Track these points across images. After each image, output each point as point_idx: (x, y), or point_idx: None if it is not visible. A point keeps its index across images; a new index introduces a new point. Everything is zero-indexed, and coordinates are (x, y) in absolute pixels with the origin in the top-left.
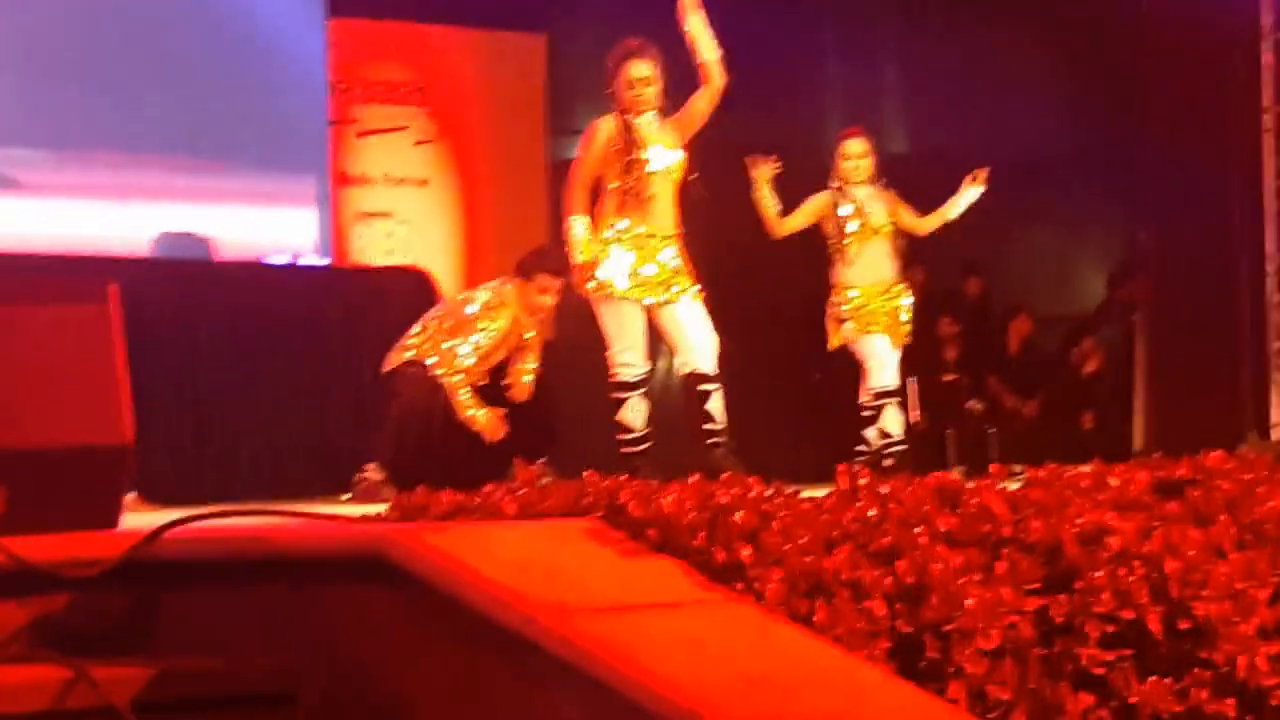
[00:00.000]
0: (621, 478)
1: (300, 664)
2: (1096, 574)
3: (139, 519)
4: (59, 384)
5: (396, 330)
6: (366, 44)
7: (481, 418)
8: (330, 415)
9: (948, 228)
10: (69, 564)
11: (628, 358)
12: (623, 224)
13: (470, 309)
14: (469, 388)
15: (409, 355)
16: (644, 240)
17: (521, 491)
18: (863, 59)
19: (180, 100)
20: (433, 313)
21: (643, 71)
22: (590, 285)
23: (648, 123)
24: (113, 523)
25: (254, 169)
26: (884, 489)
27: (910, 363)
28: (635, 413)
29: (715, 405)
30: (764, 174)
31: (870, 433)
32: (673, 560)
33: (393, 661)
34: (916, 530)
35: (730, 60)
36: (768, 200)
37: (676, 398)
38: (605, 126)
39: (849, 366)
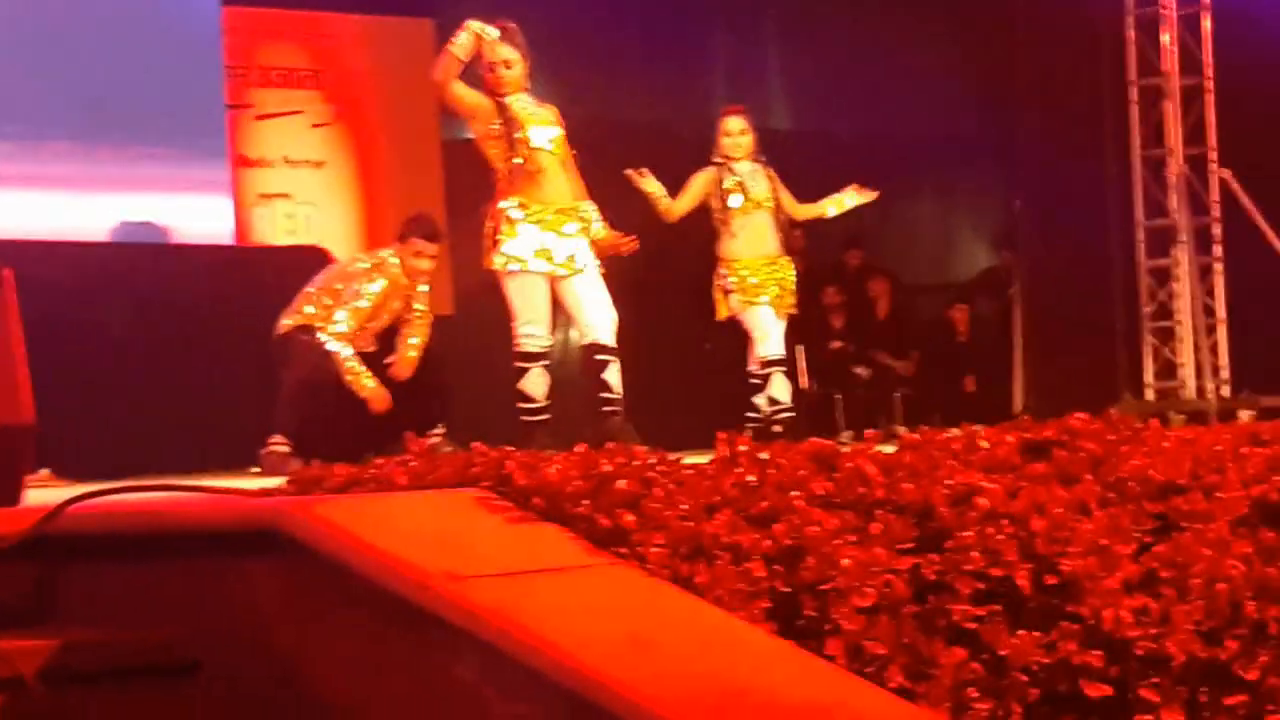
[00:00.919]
0: (508, 448)
1: (202, 636)
2: (966, 533)
3: (51, 494)
4: None
5: None
6: (260, 29)
7: (369, 386)
8: (237, 390)
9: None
10: None
11: (531, 329)
12: (520, 200)
13: (350, 273)
14: (355, 355)
15: (298, 321)
16: (545, 215)
17: (412, 463)
18: (747, 35)
19: (85, 84)
20: (318, 279)
21: (506, 54)
22: (496, 260)
23: (520, 102)
24: (14, 500)
25: (163, 156)
26: (763, 455)
27: (798, 332)
28: (536, 384)
29: (612, 376)
30: (646, 184)
31: (760, 400)
32: (559, 528)
33: (292, 632)
34: (793, 494)
35: (615, 34)
36: (655, 192)
37: (574, 369)
38: (482, 105)
39: (737, 336)
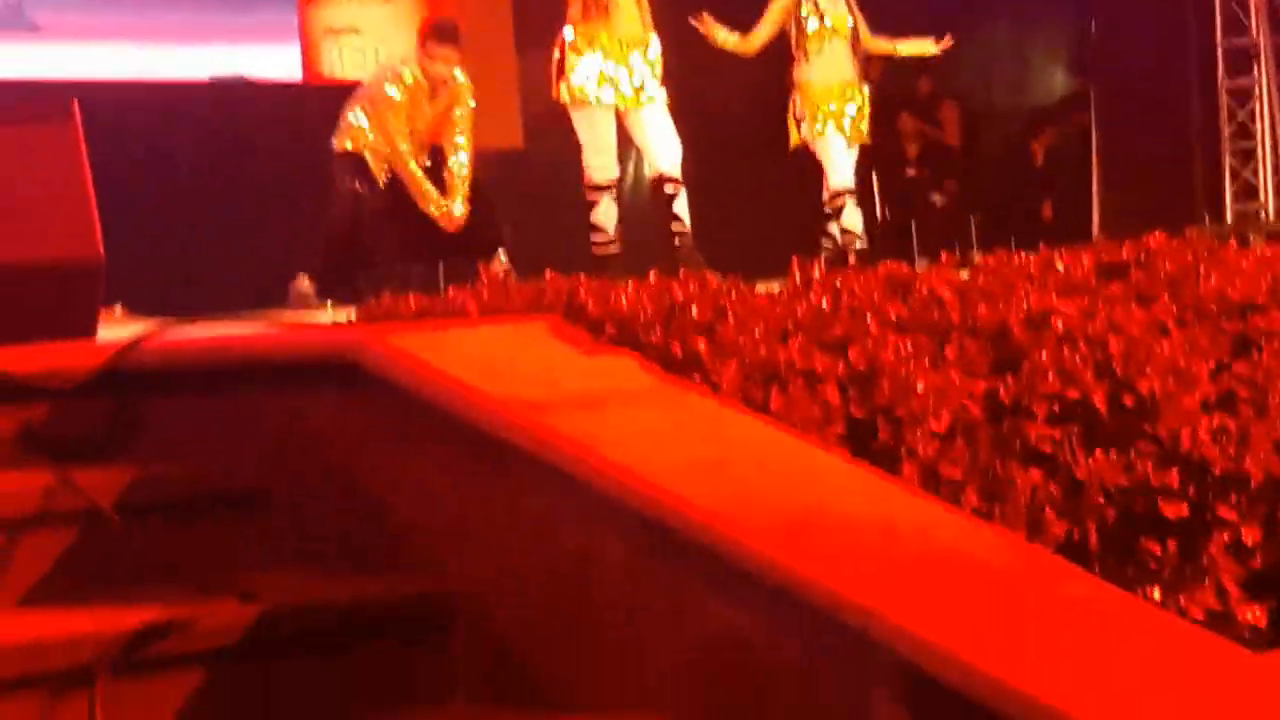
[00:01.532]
0: (580, 276)
1: (276, 467)
2: (1042, 355)
3: (124, 330)
4: (27, 202)
5: None
6: None
7: (434, 196)
8: (308, 227)
9: (905, 27)
10: (51, 374)
11: (598, 160)
12: (588, 30)
13: (380, 84)
14: (414, 162)
15: (347, 145)
16: (612, 45)
17: (484, 293)
18: None
19: None
20: (356, 96)
21: None
22: (562, 90)
23: None
24: (90, 334)
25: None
26: (837, 281)
27: (872, 160)
28: (606, 215)
29: (680, 206)
30: (712, 31)
31: (833, 228)
32: (632, 355)
33: (365, 462)
34: (867, 319)
35: None
36: (727, 40)
37: (644, 201)
38: None
39: (811, 165)
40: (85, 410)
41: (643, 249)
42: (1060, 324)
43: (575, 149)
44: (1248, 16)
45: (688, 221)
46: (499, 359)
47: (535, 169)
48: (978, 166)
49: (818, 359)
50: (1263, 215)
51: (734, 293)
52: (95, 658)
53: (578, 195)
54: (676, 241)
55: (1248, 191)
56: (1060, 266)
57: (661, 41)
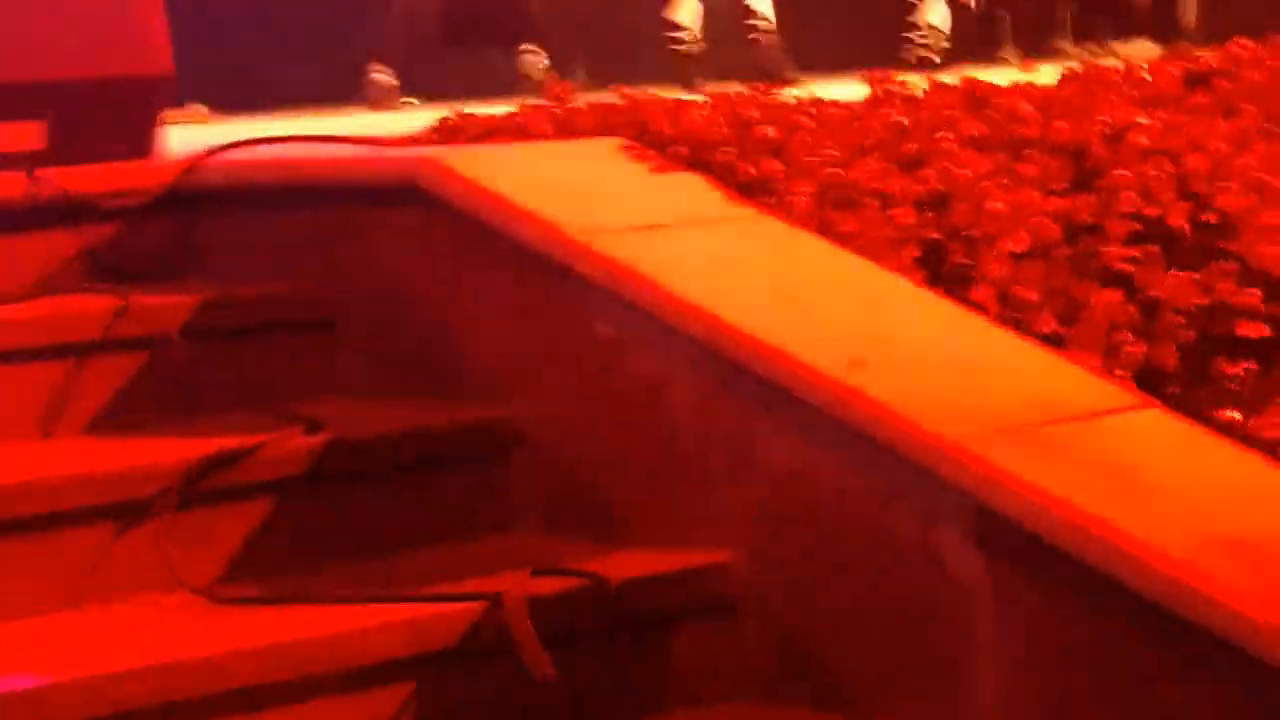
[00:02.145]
0: (650, 92)
1: (342, 291)
2: (1121, 172)
3: (204, 131)
4: (94, 14)
5: None
6: None
7: None
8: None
9: None
10: (114, 194)
11: None
12: None
13: None
14: None
15: None
16: None
17: (555, 109)
18: None
19: None
20: None
21: None
22: None
23: None
24: (149, 152)
25: None
26: (916, 93)
27: None
28: (686, 10)
29: (761, 2)
30: None
31: (919, 20)
32: (702, 176)
33: (430, 288)
34: (944, 136)
35: None
36: None
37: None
38: None
39: None
40: (149, 231)
41: (723, 44)
42: (1141, 139)
43: None
44: None
45: (769, 14)
46: (563, 180)
47: None
48: None
49: (892, 179)
50: None
51: (809, 107)
52: (161, 490)
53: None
54: (758, 39)
55: None
56: (1145, 75)
57: None
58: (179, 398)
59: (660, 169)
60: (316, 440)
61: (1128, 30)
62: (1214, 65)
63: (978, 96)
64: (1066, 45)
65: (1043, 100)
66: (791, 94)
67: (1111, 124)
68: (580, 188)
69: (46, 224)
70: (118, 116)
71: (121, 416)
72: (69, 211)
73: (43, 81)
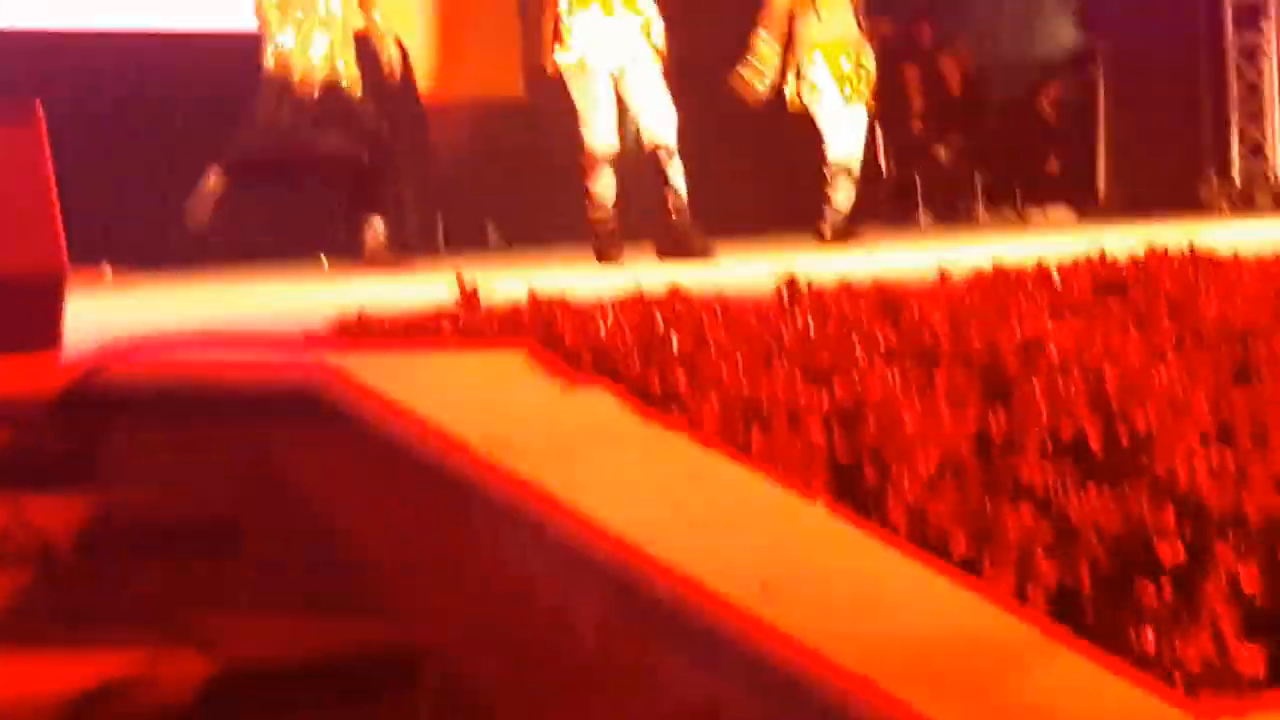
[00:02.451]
0: (558, 300)
1: (243, 499)
2: (1035, 386)
3: (110, 297)
4: None
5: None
6: None
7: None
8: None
9: None
10: (7, 399)
11: (597, 129)
12: None
13: None
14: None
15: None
16: (605, 10)
17: (461, 315)
18: None
19: None
20: None
21: None
22: (559, 58)
23: None
24: (54, 346)
25: None
26: (825, 294)
27: (876, 112)
28: (604, 186)
29: (674, 173)
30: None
31: (834, 198)
32: (609, 388)
33: (332, 500)
34: (855, 346)
35: None
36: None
37: (638, 166)
38: None
39: (810, 125)
40: (46, 434)
41: (637, 215)
42: (1055, 351)
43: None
44: None
45: (683, 190)
46: (468, 392)
47: (538, 120)
48: (983, 120)
49: (802, 393)
50: (1270, 175)
51: (718, 307)
52: None
53: (575, 155)
54: (671, 213)
55: (1255, 150)
56: (1057, 280)
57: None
58: (70, 611)
59: (568, 380)
60: (209, 663)
61: (1041, 196)
62: (1126, 272)
63: (889, 301)
64: (980, 211)
65: (954, 306)
66: (708, 272)
67: (1024, 336)
68: (486, 401)
69: None
70: (12, 314)
71: (8, 632)
72: None
73: None
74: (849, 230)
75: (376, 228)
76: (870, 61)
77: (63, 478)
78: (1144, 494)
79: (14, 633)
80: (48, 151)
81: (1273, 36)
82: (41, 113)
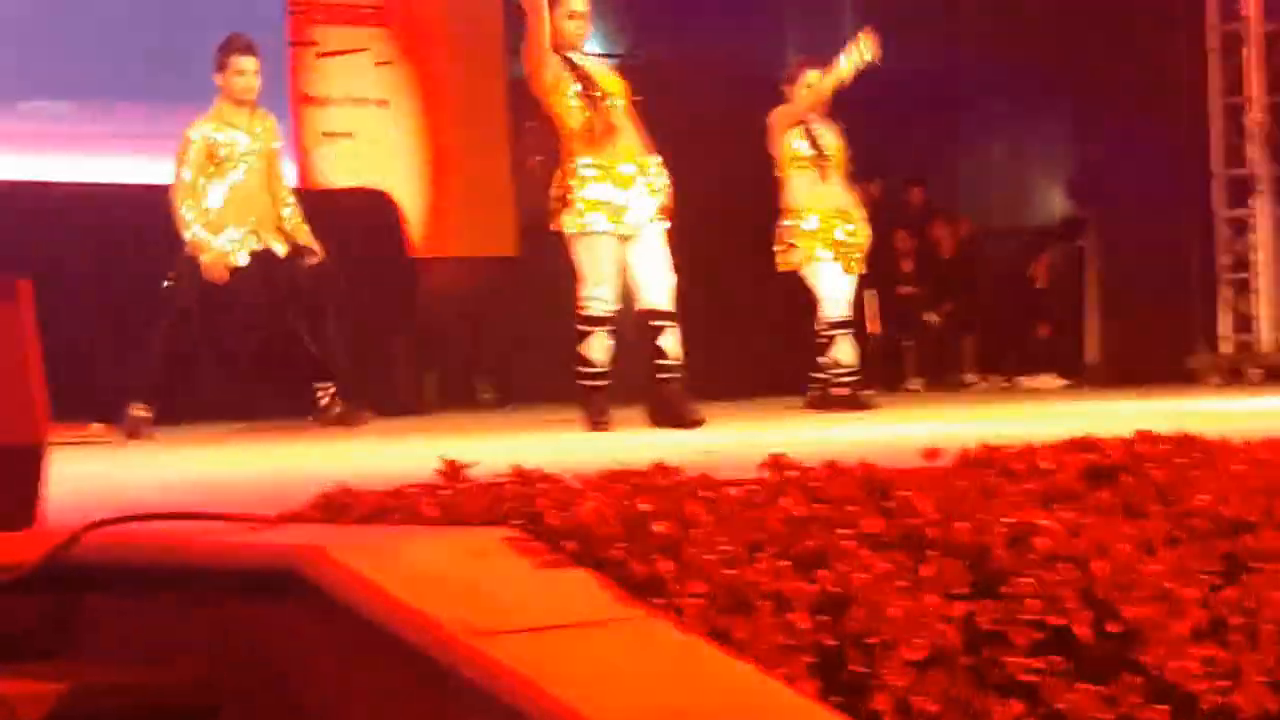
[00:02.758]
0: (539, 483)
1: (221, 676)
2: (1024, 578)
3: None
4: None
5: (359, 250)
6: None
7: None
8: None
9: (901, 142)
10: None
11: (597, 292)
12: (590, 159)
13: None
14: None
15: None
16: (613, 171)
17: (442, 492)
18: None
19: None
20: None
21: (583, 5)
22: (565, 220)
23: (589, 61)
24: (29, 523)
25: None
26: (811, 474)
27: (867, 276)
28: (599, 348)
29: (669, 342)
30: None
31: (825, 359)
32: (591, 574)
33: (314, 678)
34: (841, 533)
35: None
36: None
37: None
38: (561, 75)
39: (803, 289)
40: (20, 607)
41: (629, 377)
42: (1044, 543)
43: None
44: (1246, 147)
45: (676, 355)
46: (449, 575)
47: (531, 280)
48: (974, 286)
49: (787, 581)
50: (1258, 349)
51: (704, 491)
52: None
53: (568, 312)
54: (664, 382)
55: (1244, 323)
56: (1045, 465)
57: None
58: None
59: (549, 563)
60: None
61: (1031, 363)
62: (1117, 459)
63: (877, 485)
64: (971, 377)
65: (942, 490)
66: (696, 437)
67: (1013, 526)
68: (467, 584)
69: None
70: None
71: None
72: None
73: None
74: (857, 399)
75: (328, 397)
76: (864, 228)
77: (34, 652)
78: (1135, 689)
79: None
80: (32, 327)
81: (1262, 210)
82: (28, 288)
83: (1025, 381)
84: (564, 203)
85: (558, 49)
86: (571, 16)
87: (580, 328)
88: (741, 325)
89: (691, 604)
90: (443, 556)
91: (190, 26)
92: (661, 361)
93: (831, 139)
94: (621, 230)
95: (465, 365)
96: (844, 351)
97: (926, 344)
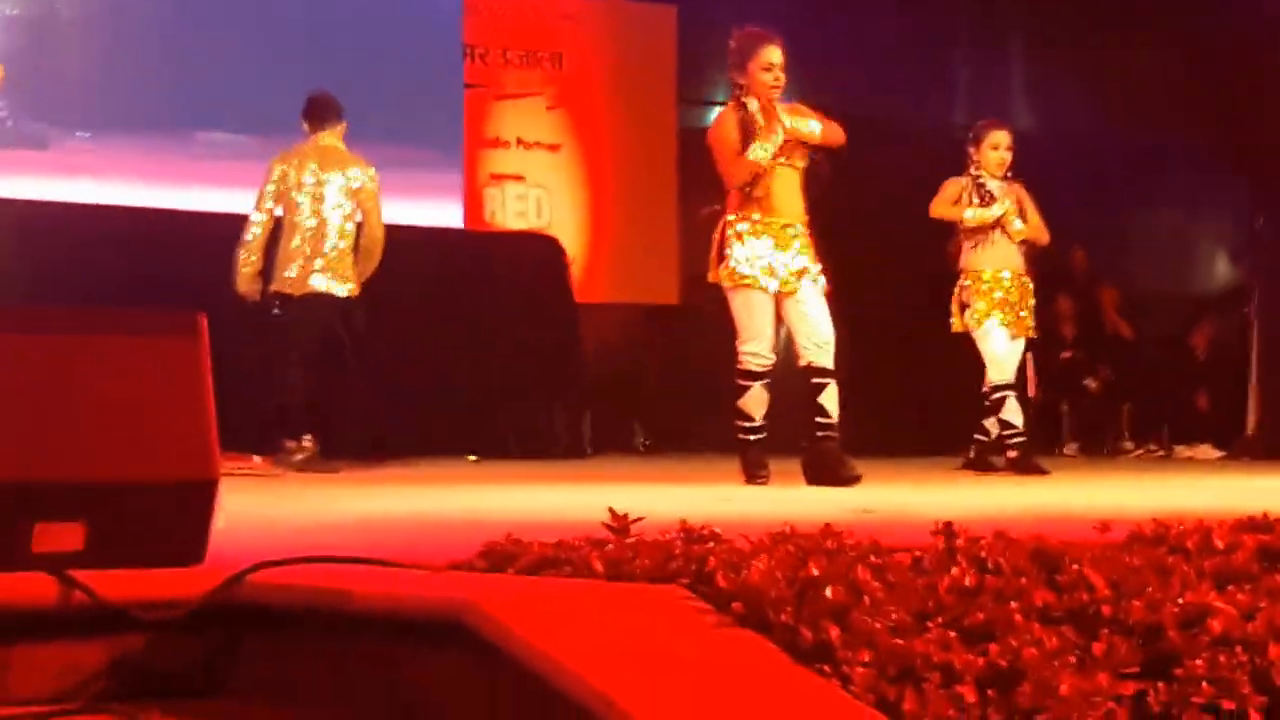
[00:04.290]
0: (709, 543)
1: None
2: (1197, 660)
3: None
4: (145, 417)
5: (527, 293)
6: (502, 10)
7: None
8: (461, 374)
9: (1064, 205)
10: (149, 605)
11: (755, 347)
12: (754, 213)
13: None
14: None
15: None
16: (775, 228)
17: (609, 547)
18: (988, 42)
19: (318, 73)
20: None
21: (777, 57)
22: (723, 273)
23: (771, 109)
24: (198, 559)
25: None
26: (980, 549)
27: (1028, 340)
28: (756, 402)
29: (828, 399)
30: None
31: (989, 422)
32: (759, 638)
33: None
34: (1011, 606)
35: (858, 43)
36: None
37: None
38: (729, 117)
39: (971, 349)
40: (180, 646)
41: (785, 430)
42: (1218, 625)
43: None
44: None
45: (835, 413)
46: (616, 636)
47: (691, 329)
48: (1134, 352)
49: (956, 654)
50: None
51: (873, 558)
52: None
53: (726, 362)
54: (822, 439)
55: None
56: (1219, 544)
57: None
58: None
59: (717, 625)
60: None
61: (1189, 433)
62: None
63: (1047, 559)
64: (1127, 444)
65: (1113, 567)
66: (856, 503)
67: (1186, 606)
68: (632, 646)
69: (74, 631)
70: (162, 520)
71: None
72: (99, 619)
73: (83, 483)
74: (1030, 463)
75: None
76: (1030, 300)
77: (190, 691)
78: None
79: None
80: (207, 363)
81: None
82: (205, 325)
83: (1181, 450)
84: (721, 256)
85: (746, 98)
86: (771, 68)
87: (739, 382)
88: (900, 384)
89: (859, 673)
90: (609, 616)
91: (371, 66)
92: (820, 419)
93: (1007, 200)
94: (779, 286)
95: (623, 411)
96: (1012, 413)
97: (1084, 409)
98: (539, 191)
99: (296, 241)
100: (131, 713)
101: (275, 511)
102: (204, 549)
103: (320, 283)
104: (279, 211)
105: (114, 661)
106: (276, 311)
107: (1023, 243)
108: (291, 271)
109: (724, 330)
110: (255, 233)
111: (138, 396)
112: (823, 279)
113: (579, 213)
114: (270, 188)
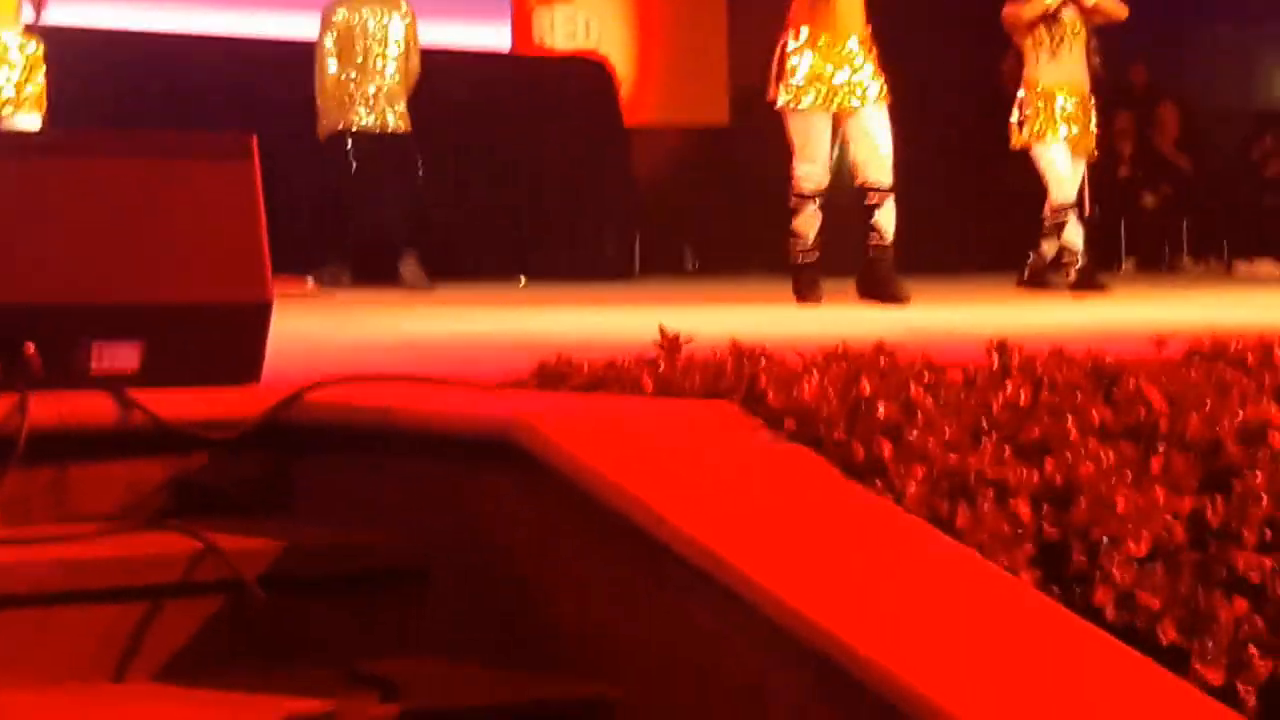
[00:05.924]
0: (760, 361)
1: (431, 543)
2: (1256, 474)
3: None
4: (199, 239)
5: (576, 117)
6: None
7: None
8: (511, 199)
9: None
10: (207, 424)
11: (809, 169)
12: (811, 31)
13: None
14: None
15: None
16: (834, 47)
17: (661, 366)
18: None
19: None
20: None
21: None
22: (781, 94)
23: None
24: (254, 378)
25: None
26: (1036, 367)
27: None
28: (809, 223)
29: (884, 217)
30: None
31: (1047, 245)
32: (810, 454)
33: (524, 547)
34: (1067, 422)
35: None
36: None
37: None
38: None
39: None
40: (239, 464)
41: (842, 250)
42: (1277, 439)
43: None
44: None
45: (889, 233)
46: (666, 452)
47: (740, 148)
48: (1194, 169)
49: (1010, 469)
50: None
51: (927, 376)
52: None
53: (782, 179)
54: (874, 255)
55: None
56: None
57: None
58: (254, 648)
59: (769, 442)
60: (395, 716)
61: (1249, 249)
62: None
63: (1104, 375)
64: (1186, 261)
65: (1171, 382)
66: (909, 314)
67: (1245, 421)
68: (685, 459)
69: (134, 450)
70: (217, 342)
71: (193, 665)
72: (158, 438)
73: (139, 304)
74: (1092, 281)
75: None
76: (1093, 118)
77: (255, 507)
78: None
79: (199, 667)
80: (259, 186)
81: None
82: (255, 147)
83: (1242, 267)
84: (780, 74)
85: None
86: None
87: (792, 203)
88: (960, 202)
89: (912, 489)
90: (661, 431)
91: None
92: (873, 238)
93: (1071, 14)
94: (838, 104)
95: (672, 232)
96: (1073, 234)
97: (1141, 226)
98: (587, 13)
99: (356, 77)
100: (193, 529)
101: (326, 332)
102: (259, 369)
103: (380, 119)
104: (336, 49)
105: (173, 480)
106: (349, 146)
107: (1092, 25)
108: (357, 108)
109: (775, 151)
110: (329, 70)
111: (192, 219)
112: (885, 91)
113: (627, 32)
114: (331, 32)
